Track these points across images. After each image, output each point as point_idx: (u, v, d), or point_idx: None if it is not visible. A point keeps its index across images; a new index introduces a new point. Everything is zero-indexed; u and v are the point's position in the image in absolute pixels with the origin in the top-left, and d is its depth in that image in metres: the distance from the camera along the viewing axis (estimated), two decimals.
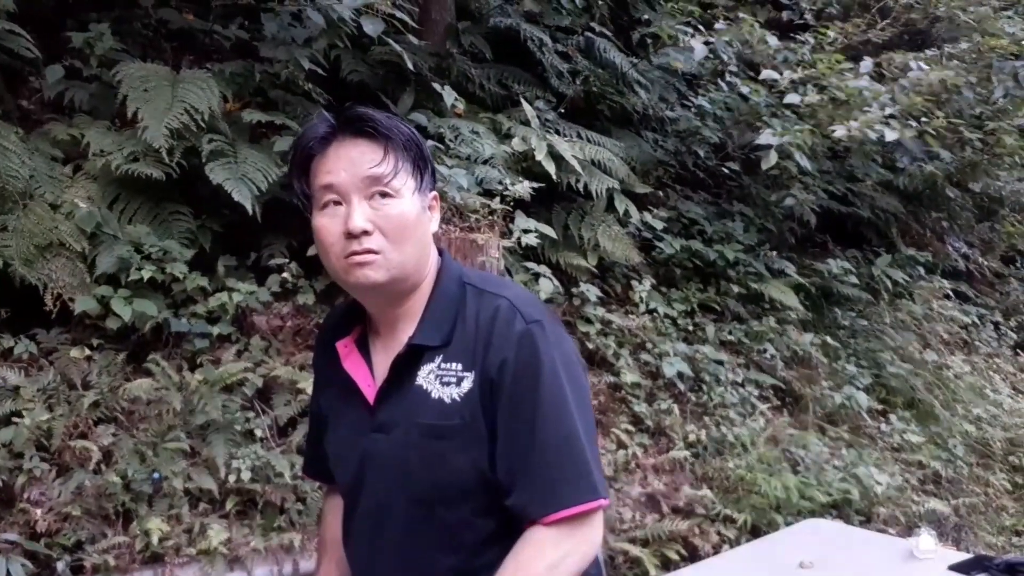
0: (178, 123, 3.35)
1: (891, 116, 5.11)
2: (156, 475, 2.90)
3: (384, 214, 1.29)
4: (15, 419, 2.82)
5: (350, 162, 1.29)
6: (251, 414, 3.30)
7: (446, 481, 1.31)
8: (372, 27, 3.58)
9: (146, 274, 3.26)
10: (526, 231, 3.84)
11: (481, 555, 1.33)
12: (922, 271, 6.85)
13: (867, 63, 5.47)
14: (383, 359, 1.38)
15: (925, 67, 5.39)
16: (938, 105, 5.67)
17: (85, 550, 2.69)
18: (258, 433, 3.24)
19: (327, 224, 1.30)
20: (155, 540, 2.75)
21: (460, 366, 1.31)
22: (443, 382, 1.31)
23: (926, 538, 2.80)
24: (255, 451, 3.15)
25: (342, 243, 1.28)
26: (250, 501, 3.08)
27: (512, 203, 3.80)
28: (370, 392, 1.37)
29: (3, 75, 3.88)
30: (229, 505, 3.02)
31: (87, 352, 3.15)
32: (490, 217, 3.45)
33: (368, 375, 1.39)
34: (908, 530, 4.72)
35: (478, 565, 1.33)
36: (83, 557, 2.67)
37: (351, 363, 1.39)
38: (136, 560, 2.74)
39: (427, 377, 1.32)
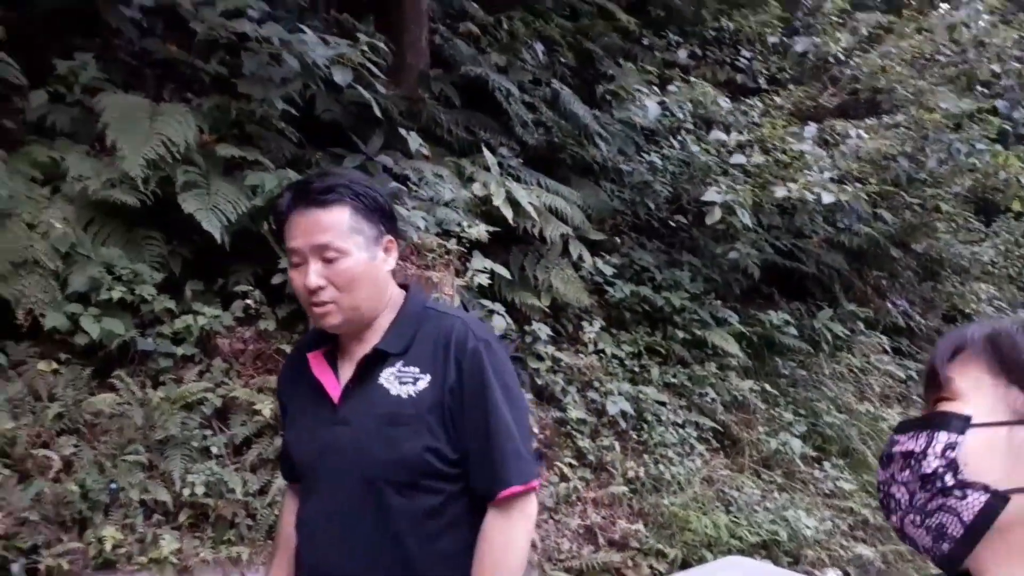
0: (155, 154, 3.54)
1: (833, 180, 5.47)
2: (113, 486, 3.03)
3: (335, 271, 1.56)
4: None
5: (304, 230, 1.57)
6: (208, 432, 3.45)
7: (397, 462, 1.55)
8: (341, 77, 3.82)
9: (116, 294, 3.42)
10: (479, 271, 4.07)
11: (425, 544, 1.56)
12: (862, 326, 7.19)
13: (811, 128, 5.83)
14: (348, 367, 1.64)
15: (864, 135, 5.76)
16: (877, 171, 6.05)
17: (40, 554, 2.81)
18: (214, 450, 3.39)
19: (295, 277, 1.60)
20: (108, 547, 2.88)
21: (417, 369, 1.59)
22: (401, 382, 1.58)
23: (831, 575, 3.04)
24: (210, 467, 3.29)
25: (306, 294, 1.57)
26: (202, 515, 3.22)
27: (468, 244, 4.03)
28: (335, 393, 1.62)
29: None
30: (182, 517, 3.15)
31: (54, 366, 3.28)
32: (446, 256, 3.67)
33: (334, 380, 1.65)
34: (839, 572, 4.97)
35: (420, 553, 1.56)
36: (39, 560, 2.79)
37: (319, 369, 1.66)
38: (89, 566, 2.87)
39: (388, 378, 1.59)
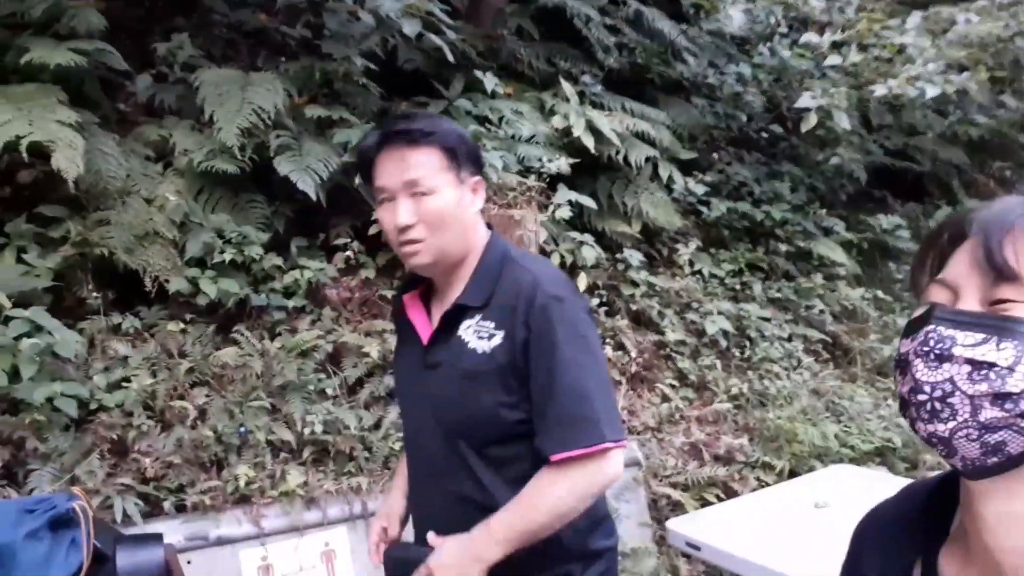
0: (248, 123, 3.78)
1: (941, 71, 5.15)
2: (243, 429, 3.36)
3: (424, 209, 1.59)
4: (124, 384, 3.30)
5: (394, 168, 1.61)
6: (323, 375, 3.73)
7: (471, 415, 1.62)
8: (410, 27, 3.92)
9: (228, 256, 3.72)
10: (561, 204, 4.15)
11: (495, 493, 1.62)
12: None
13: (914, 18, 5.49)
14: (439, 312, 1.72)
15: (974, 19, 5.37)
16: (993, 55, 5.64)
17: (186, 492, 3.18)
18: (329, 392, 3.68)
19: (384, 217, 1.66)
20: (243, 484, 3.21)
21: (493, 324, 1.60)
22: (479, 336, 1.61)
23: None
24: (327, 407, 3.58)
25: (395, 233, 1.63)
26: (323, 450, 3.52)
27: (547, 179, 4.11)
28: (425, 335, 1.72)
29: (101, 84, 4.39)
30: (305, 454, 3.46)
31: (182, 326, 3.62)
32: (528, 193, 3.77)
33: (426, 323, 1.74)
34: None
35: (490, 502, 1.60)
36: (185, 497, 3.17)
37: (413, 312, 1.77)
38: (228, 500, 3.22)
39: (466, 331, 1.63)
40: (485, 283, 1.65)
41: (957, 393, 0.77)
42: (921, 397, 0.79)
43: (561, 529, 1.59)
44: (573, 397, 1.54)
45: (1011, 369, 0.74)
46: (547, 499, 1.54)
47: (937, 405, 0.78)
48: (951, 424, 0.77)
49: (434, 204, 1.60)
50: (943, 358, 0.78)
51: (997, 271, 0.78)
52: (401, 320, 1.82)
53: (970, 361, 0.76)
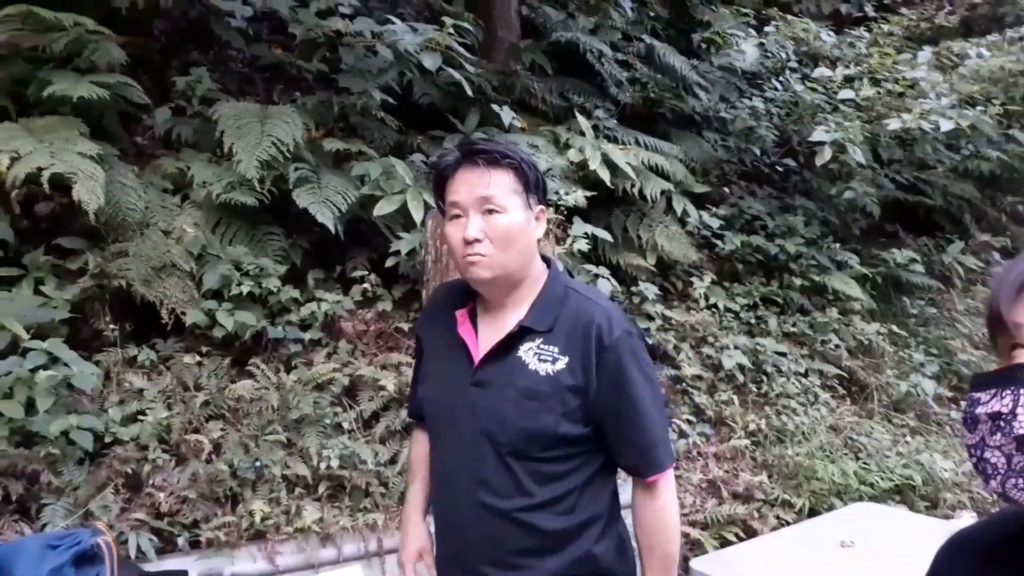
0: (267, 155, 3.78)
1: (953, 105, 5.16)
2: (258, 463, 3.32)
3: (492, 226, 1.67)
4: (140, 417, 3.27)
5: (469, 185, 1.70)
6: (339, 409, 3.69)
7: (529, 433, 1.68)
8: (431, 61, 3.95)
9: (245, 288, 3.71)
10: (579, 236, 4.14)
11: (535, 495, 1.69)
12: (998, 256, 6.78)
13: (925, 53, 5.52)
14: (487, 330, 1.78)
15: (986, 53, 5.40)
16: (1005, 89, 5.66)
17: (201, 528, 3.13)
18: (345, 426, 3.63)
19: (452, 231, 1.73)
20: (258, 519, 3.16)
21: (557, 349, 1.69)
22: (540, 359, 1.69)
23: (966, 519, 2.98)
24: (343, 442, 3.53)
25: (462, 247, 1.70)
26: (339, 486, 3.47)
27: (565, 211, 4.10)
28: (476, 355, 1.76)
29: (120, 117, 4.41)
30: (321, 489, 3.41)
31: (198, 358, 3.59)
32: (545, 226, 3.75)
33: (475, 341, 1.78)
34: (978, 516, 4.78)
35: (533, 520, 1.69)
36: (199, 533, 3.11)
37: (464, 329, 1.80)
38: (243, 536, 3.17)
39: (527, 352, 1.70)
40: (550, 309, 1.73)
41: (988, 449, 0.82)
42: (973, 461, 0.85)
43: (594, 543, 1.73)
44: (651, 425, 1.72)
45: (1013, 413, 0.79)
46: (667, 515, 1.77)
47: (981, 464, 0.83)
48: (998, 478, 0.82)
49: (503, 222, 1.67)
50: (975, 419, 0.83)
51: (1000, 326, 0.85)
52: (442, 334, 1.85)
53: (988, 416, 0.81)
